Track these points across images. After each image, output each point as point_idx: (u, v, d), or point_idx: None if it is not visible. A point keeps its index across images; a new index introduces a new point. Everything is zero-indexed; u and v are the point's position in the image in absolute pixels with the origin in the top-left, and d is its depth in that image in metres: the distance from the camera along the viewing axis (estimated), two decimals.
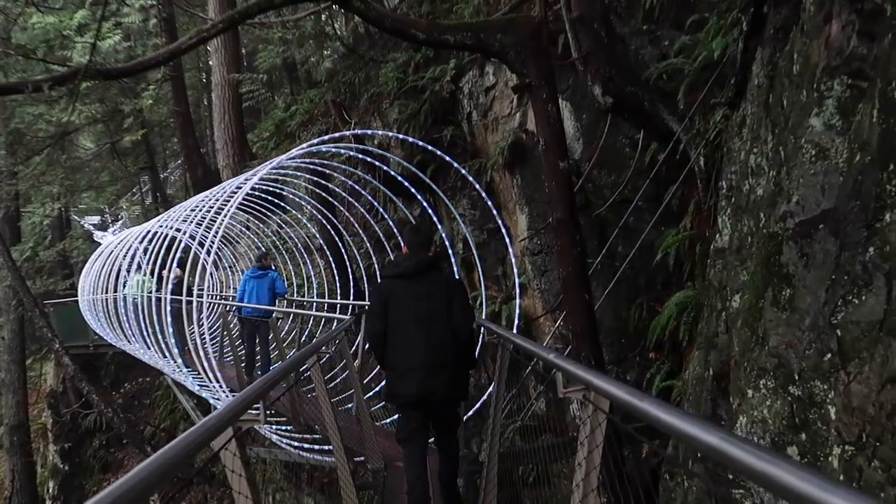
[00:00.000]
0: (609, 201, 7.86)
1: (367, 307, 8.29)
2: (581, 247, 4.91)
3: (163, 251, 11.40)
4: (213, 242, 8.64)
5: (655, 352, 7.45)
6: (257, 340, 10.18)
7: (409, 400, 4.24)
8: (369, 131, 9.72)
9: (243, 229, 15.13)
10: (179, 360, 9.52)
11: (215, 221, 8.52)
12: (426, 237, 4.78)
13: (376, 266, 11.24)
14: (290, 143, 14.10)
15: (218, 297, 15.90)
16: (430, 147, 8.85)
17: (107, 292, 13.43)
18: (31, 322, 19.03)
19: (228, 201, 8.67)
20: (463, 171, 8.48)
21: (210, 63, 18.08)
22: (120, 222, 20.13)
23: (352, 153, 9.68)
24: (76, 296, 19.62)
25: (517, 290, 8.29)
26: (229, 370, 9.75)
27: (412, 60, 11.34)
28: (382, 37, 13.91)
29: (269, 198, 12.93)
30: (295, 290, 13.96)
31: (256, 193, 13.18)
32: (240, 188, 8.56)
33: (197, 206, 10.58)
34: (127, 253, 12.95)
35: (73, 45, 14.01)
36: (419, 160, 9.93)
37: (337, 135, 9.00)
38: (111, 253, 14.65)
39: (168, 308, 8.85)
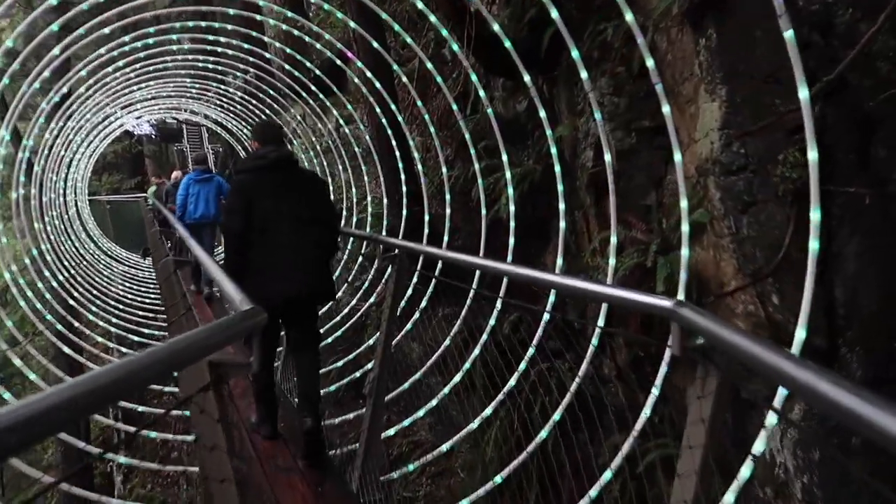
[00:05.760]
0: (887, 93, 4.06)
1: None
2: None
3: None
4: None
5: None
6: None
7: (277, 302, 3.79)
8: None
9: (296, 128, 12.04)
10: None
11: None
12: (278, 132, 4.48)
13: (447, 182, 7.72)
14: None
15: None
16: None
17: None
18: None
19: None
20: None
21: None
22: None
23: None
24: None
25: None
26: None
27: None
28: None
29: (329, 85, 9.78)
30: (344, 217, 10.77)
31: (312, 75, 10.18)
32: None
33: None
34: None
35: None
36: (532, 18, 6.35)
37: None
38: None
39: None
